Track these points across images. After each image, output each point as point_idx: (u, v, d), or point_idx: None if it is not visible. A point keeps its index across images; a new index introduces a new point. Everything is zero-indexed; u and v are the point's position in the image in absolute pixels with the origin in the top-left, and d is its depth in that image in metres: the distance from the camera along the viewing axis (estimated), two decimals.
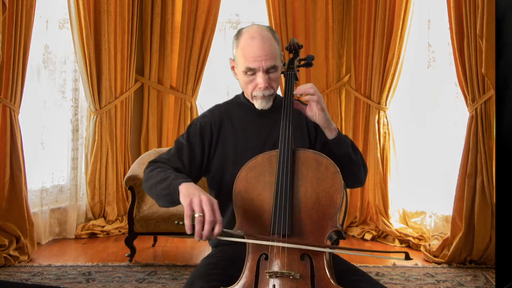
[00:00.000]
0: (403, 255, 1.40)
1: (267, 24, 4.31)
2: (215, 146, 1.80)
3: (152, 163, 1.75)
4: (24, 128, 3.62)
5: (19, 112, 3.54)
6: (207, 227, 1.42)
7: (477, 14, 3.35)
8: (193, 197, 1.46)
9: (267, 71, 1.70)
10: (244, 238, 1.50)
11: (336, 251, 1.52)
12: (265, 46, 1.68)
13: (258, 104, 1.75)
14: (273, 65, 1.70)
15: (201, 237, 1.43)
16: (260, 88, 1.71)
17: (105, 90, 4.17)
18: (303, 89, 1.66)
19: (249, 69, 1.69)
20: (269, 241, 1.50)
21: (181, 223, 1.47)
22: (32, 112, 3.93)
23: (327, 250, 1.49)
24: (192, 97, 4.39)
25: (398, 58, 4.06)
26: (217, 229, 1.43)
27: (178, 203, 1.55)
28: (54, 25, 4.08)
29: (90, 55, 4.04)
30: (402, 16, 4.00)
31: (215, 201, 1.47)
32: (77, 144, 4.24)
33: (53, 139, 4.12)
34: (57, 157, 4.15)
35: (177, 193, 1.53)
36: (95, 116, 4.17)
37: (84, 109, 4.29)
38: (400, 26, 4.02)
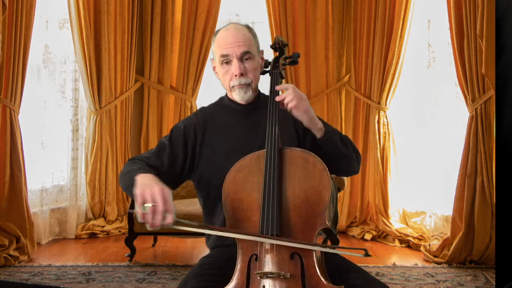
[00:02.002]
0: (362, 252, 1.43)
1: (267, 24, 4.32)
2: (199, 149, 1.78)
3: (130, 160, 1.75)
4: (24, 128, 3.62)
5: (19, 112, 3.54)
6: (158, 216, 1.41)
7: (477, 14, 3.35)
8: (145, 187, 1.45)
9: (241, 59, 1.72)
10: (201, 227, 1.48)
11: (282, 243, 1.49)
12: (238, 34, 1.72)
13: (237, 95, 1.75)
14: (247, 50, 1.71)
15: (152, 226, 1.43)
16: (235, 75, 1.72)
17: (105, 90, 4.17)
18: (281, 95, 1.66)
19: (223, 56, 1.72)
20: (234, 233, 1.50)
21: (132, 211, 1.47)
22: (32, 112, 3.93)
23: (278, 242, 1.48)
24: (192, 97, 4.39)
25: (398, 58, 4.06)
26: (169, 219, 1.42)
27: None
28: (54, 25, 4.08)
29: (90, 55, 4.04)
30: (402, 16, 4.00)
31: (168, 191, 1.45)
32: (77, 144, 4.24)
33: (53, 139, 4.12)
34: (57, 157, 4.15)
35: (134, 184, 1.51)
36: (95, 116, 4.17)
37: (84, 109, 4.29)
38: (400, 26, 4.02)
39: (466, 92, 3.54)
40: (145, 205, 1.42)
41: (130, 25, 4.28)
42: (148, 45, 4.36)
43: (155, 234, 3.60)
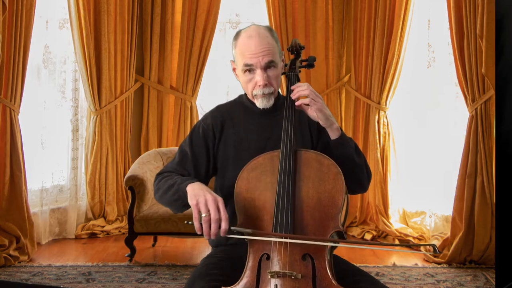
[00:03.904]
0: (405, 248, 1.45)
1: (267, 24, 4.32)
2: (217, 146, 1.80)
3: (159, 174, 1.78)
4: (24, 128, 3.61)
5: (19, 112, 3.54)
6: (213, 225, 1.46)
7: (477, 14, 3.35)
8: (198, 198, 1.50)
9: (265, 68, 1.70)
10: (252, 235, 1.51)
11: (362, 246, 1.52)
12: (262, 42, 1.68)
13: (259, 103, 1.75)
14: (271, 60, 1.69)
15: (209, 235, 1.47)
16: (259, 86, 1.71)
17: (105, 90, 4.17)
18: (297, 91, 1.66)
19: (247, 65, 1.70)
20: (277, 237, 1.50)
21: (190, 222, 1.52)
22: (32, 112, 3.92)
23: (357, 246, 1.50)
24: (192, 97, 4.39)
25: (398, 58, 4.07)
26: (223, 226, 1.47)
27: (187, 205, 1.58)
28: (54, 25, 4.07)
29: (90, 55, 4.04)
30: (402, 16, 4.01)
31: (220, 199, 1.50)
32: (77, 144, 4.24)
33: (53, 139, 4.12)
34: (57, 157, 4.15)
35: (185, 195, 1.56)
36: (95, 116, 4.17)
37: (84, 109, 4.29)
38: (400, 26, 4.02)
39: (466, 92, 3.54)
40: (202, 215, 1.48)
41: (130, 25, 4.28)
42: (148, 45, 4.36)
43: (155, 234, 3.60)
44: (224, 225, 1.47)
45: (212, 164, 1.81)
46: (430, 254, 3.65)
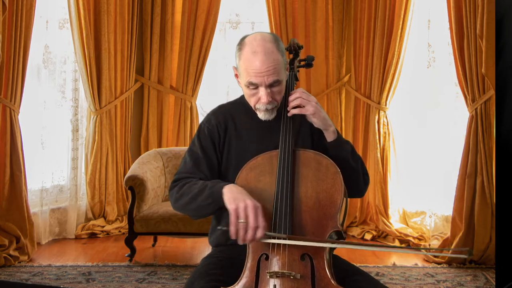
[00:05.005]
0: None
1: (267, 24, 4.32)
2: (222, 147, 1.80)
3: (176, 181, 1.74)
4: (24, 128, 3.61)
5: (19, 112, 3.54)
6: (250, 232, 1.47)
7: (477, 14, 3.35)
8: (238, 202, 1.49)
9: (270, 86, 1.66)
10: (286, 239, 1.50)
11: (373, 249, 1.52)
12: (268, 61, 1.61)
13: (262, 116, 1.72)
14: (276, 79, 1.65)
15: (244, 241, 1.48)
16: (263, 102, 1.68)
17: (105, 90, 4.17)
18: (291, 101, 1.67)
19: (251, 83, 1.66)
20: (313, 241, 1.49)
21: (225, 228, 1.51)
22: (32, 112, 3.93)
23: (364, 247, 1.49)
24: (192, 97, 4.39)
25: (398, 58, 4.07)
26: (259, 234, 1.47)
27: (222, 207, 1.56)
28: (54, 25, 4.08)
29: (90, 55, 4.04)
30: (402, 16, 4.01)
31: (259, 206, 1.49)
32: (77, 144, 4.24)
33: (53, 139, 4.12)
34: (57, 157, 4.15)
35: (221, 198, 1.55)
36: (95, 116, 4.17)
37: (84, 109, 4.29)
38: (400, 26, 4.02)
39: (466, 92, 3.54)
40: (239, 221, 1.48)
41: (130, 25, 4.28)
42: (148, 45, 4.36)
43: (155, 234, 3.60)
44: (260, 232, 1.47)
45: (221, 164, 1.80)
46: (430, 254, 3.65)
